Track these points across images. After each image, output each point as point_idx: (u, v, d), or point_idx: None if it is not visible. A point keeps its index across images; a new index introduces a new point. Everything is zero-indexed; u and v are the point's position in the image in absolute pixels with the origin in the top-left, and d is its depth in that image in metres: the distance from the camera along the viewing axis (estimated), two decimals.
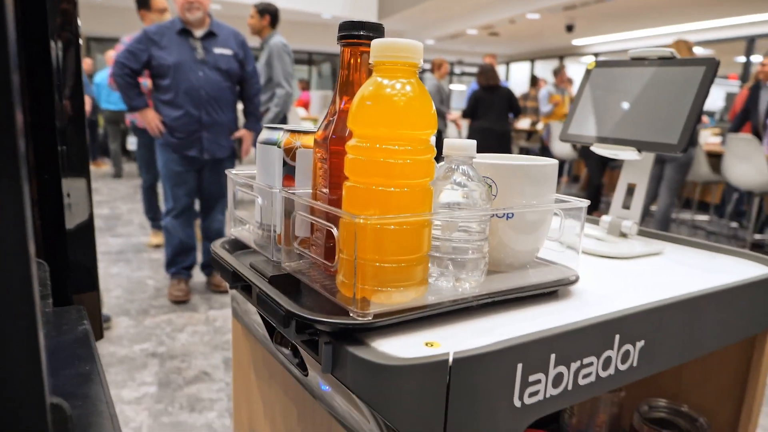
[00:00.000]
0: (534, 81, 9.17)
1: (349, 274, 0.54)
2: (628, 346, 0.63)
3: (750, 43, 8.61)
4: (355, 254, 0.52)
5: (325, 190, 0.61)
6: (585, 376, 0.60)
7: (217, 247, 0.78)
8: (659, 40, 9.98)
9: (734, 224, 5.73)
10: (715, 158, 4.91)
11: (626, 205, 0.98)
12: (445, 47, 14.02)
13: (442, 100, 6.23)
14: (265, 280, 0.63)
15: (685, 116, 0.86)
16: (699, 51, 3.81)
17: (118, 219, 5.21)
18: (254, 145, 4.05)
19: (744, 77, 8.55)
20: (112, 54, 5.20)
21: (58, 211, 0.78)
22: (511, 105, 5.42)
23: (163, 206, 3.24)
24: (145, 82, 3.13)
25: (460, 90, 14.46)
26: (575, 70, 10.66)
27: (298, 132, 0.68)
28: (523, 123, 7.93)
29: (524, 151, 8.14)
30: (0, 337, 0.27)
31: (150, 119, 2.96)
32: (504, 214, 0.65)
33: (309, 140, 0.67)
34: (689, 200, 6.10)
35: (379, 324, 0.54)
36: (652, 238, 1.01)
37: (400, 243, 0.54)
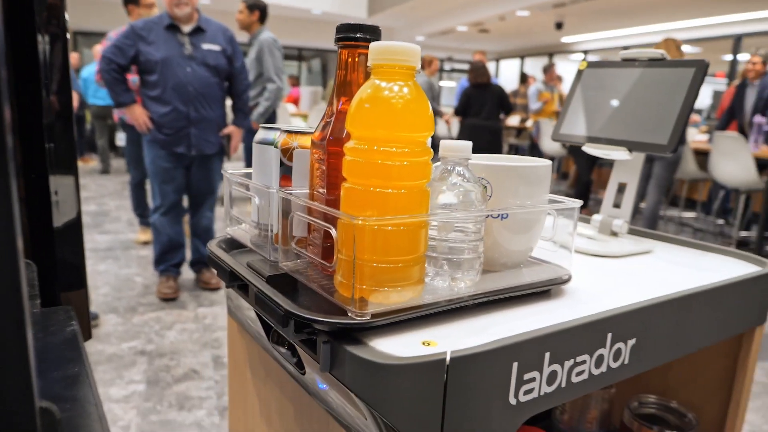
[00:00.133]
0: (523, 78, 9.20)
1: (348, 274, 0.55)
2: (620, 344, 0.64)
3: (737, 42, 8.69)
4: (353, 255, 0.53)
5: (322, 191, 0.62)
6: (578, 374, 0.61)
7: (214, 246, 0.78)
8: (648, 38, 10.04)
9: (720, 221, 5.79)
10: (702, 156, 4.96)
11: (617, 204, 0.99)
12: (435, 44, 14.02)
13: (434, 97, 6.24)
14: (263, 279, 0.63)
15: (675, 117, 0.87)
16: (687, 49, 3.85)
17: (106, 216, 5.17)
18: (243, 141, 4.04)
19: (731, 75, 8.63)
20: (99, 48, 5.15)
21: (46, 209, 0.77)
22: (502, 102, 5.44)
23: (151, 203, 3.23)
24: (135, 78, 3.11)
25: (450, 87, 14.47)
26: (565, 68, 10.71)
27: (295, 132, 0.68)
28: (513, 120, 7.95)
29: (514, 148, 8.17)
30: None
31: (137, 115, 2.94)
32: (499, 214, 0.66)
33: (305, 141, 0.68)
34: (677, 197, 6.16)
35: (377, 323, 0.54)
36: (642, 236, 1.02)
37: (398, 243, 0.55)
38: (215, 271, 3.22)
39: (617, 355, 0.65)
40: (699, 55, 10.57)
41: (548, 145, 6.56)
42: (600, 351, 0.63)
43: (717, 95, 9.43)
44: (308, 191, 0.66)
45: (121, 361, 2.45)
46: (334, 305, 0.57)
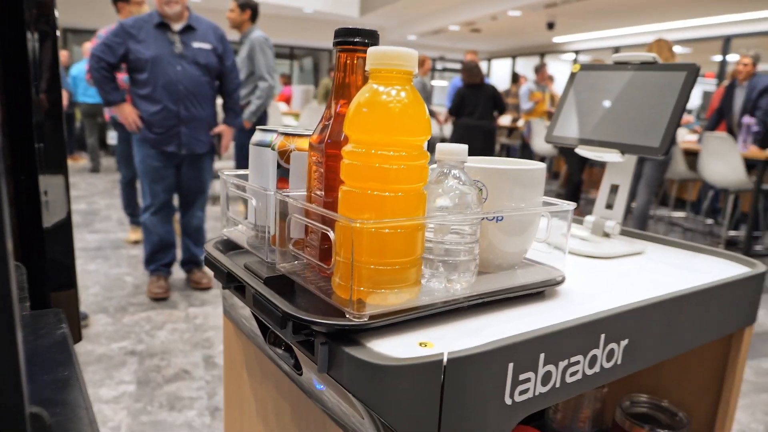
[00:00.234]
0: (515, 78, 9.24)
1: (346, 276, 0.55)
2: (613, 345, 0.65)
3: (726, 43, 8.76)
4: (351, 257, 0.54)
5: (320, 193, 0.62)
6: (572, 374, 0.62)
7: (210, 247, 0.78)
8: (639, 38, 10.10)
9: (710, 221, 5.84)
10: (691, 156, 5.00)
11: (609, 205, 1.01)
12: (427, 43, 14.04)
13: (426, 97, 6.25)
14: (261, 281, 0.64)
15: (667, 120, 0.88)
16: (677, 50, 3.86)
17: (96, 214, 5.14)
18: (234, 140, 4.03)
19: (721, 76, 8.71)
20: (88, 46, 5.12)
21: (35, 209, 0.77)
22: (495, 102, 5.46)
23: (141, 202, 3.21)
24: (126, 77, 3.09)
25: (442, 86, 14.50)
26: (556, 68, 10.76)
27: (293, 135, 0.69)
28: (504, 120, 7.98)
29: (505, 147, 8.20)
30: None
31: (127, 114, 2.91)
32: (494, 217, 0.67)
33: (303, 143, 0.68)
34: (666, 197, 6.21)
35: (375, 325, 0.55)
36: (634, 237, 1.04)
37: (395, 246, 0.55)
38: (207, 271, 3.21)
39: (610, 355, 0.66)
40: (689, 55, 10.66)
41: (539, 144, 6.58)
42: (593, 351, 0.63)
43: (707, 96, 9.50)
44: (305, 193, 0.66)
45: (111, 362, 2.43)
46: (332, 307, 0.57)
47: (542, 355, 0.58)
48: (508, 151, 8.21)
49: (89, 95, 6.88)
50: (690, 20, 8.69)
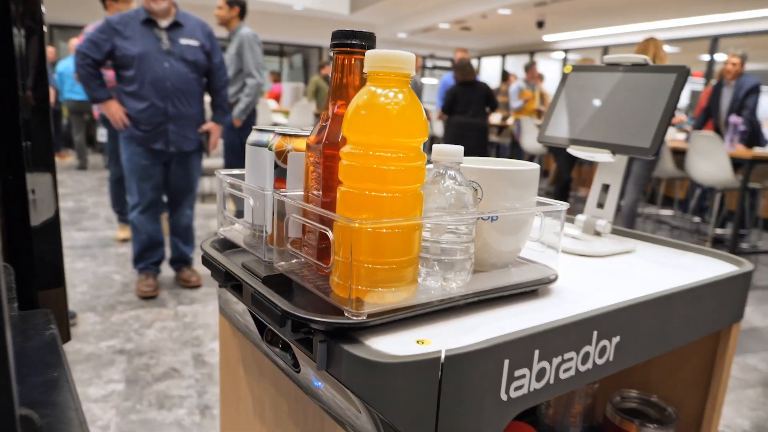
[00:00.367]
0: (505, 76, 9.27)
1: (344, 275, 0.56)
2: (605, 342, 0.67)
3: (714, 42, 8.85)
4: (350, 256, 0.54)
5: (317, 193, 0.63)
6: (565, 371, 0.63)
7: (207, 246, 0.79)
8: (628, 37, 10.17)
9: (697, 219, 5.90)
10: (679, 155, 5.05)
11: (600, 205, 1.02)
12: (418, 41, 14.05)
13: (417, 94, 6.25)
14: (259, 280, 0.64)
15: (657, 121, 0.90)
16: (666, 49, 3.90)
17: (84, 212, 5.11)
18: (223, 138, 4.01)
19: (708, 75, 8.79)
20: (75, 42, 5.08)
21: (23, 208, 0.76)
22: (488, 99, 5.48)
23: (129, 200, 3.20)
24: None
25: (432, 84, 14.51)
26: (546, 66, 10.81)
27: (290, 135, 0.69)
28: (494, 118, 8.01)
29: (495, 145, 8.23)
30: None
31: (113, 111, 2.88)
32: (489, 216, 0.68)
33: (300, 143, 0.69)
34: (654, 195, 6.26)
35: (373, 323, 0.56)
36: (624, 236, 1.05)
37: (393, 245, 0.56)
38: (196, 269, 3.19)
39: (602, 352, 0.67)
40: (677, 54, 10.74)
41: (529, 143, 6.61)
42: (586, 348, 0.65)
43: (695, 95, 9.60)
44: (303, 193, 0.67)
45: (100, 361, 2.42)
46: (329, 305, 0.58)
47: (537, 352, 0.59)
48: (497, 149, 8.24)
49: (76, 92, 6.82)
50: (678, 20, 8.77)
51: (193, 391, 2.22)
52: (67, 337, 0.81)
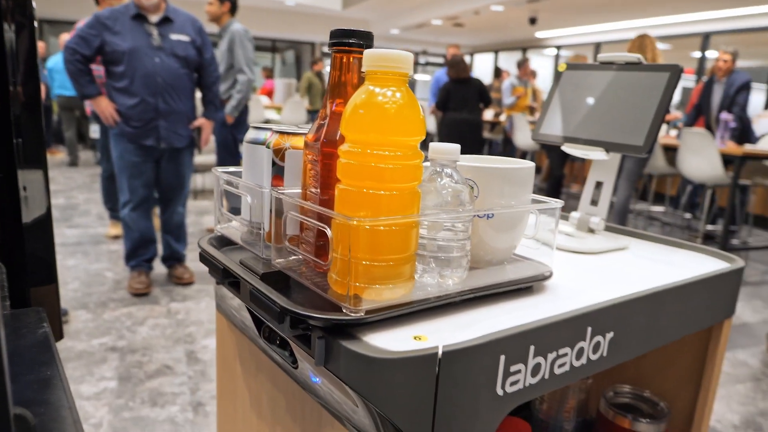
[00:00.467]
0: (497, 72, 9.28)
1: (343, 272, 0.57)
2: (599, 338, 0.68)
3: (705, 39, 8.90)
4: (349, 254, 0.55)
5: (315, 191, 0.63)
6: (560, 366, 0.64)
7: (205, 243, 0.79)
8: (620, 34, 10.22)
9: (688, 215, 5.94)
10: (671, 152, 5.08)
11: (594, 202, 1.03)
12: (410, 37, 14.05)
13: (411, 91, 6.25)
14: (257, 277, 0.65)
15: (651, 119, 0.91)
16: (658, 46, 3.91)
17: (75, 209, 5.08)
18: (215, 134, 3.99)
19: (700, 72, 8.84)
20: (66, 38, 5.04)
21: (14, 205, 0.76)
22: (482, 96, 5.49)
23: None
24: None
25: (425, 80, 14.52)
26: (538, 63, 10.83)
27: (287, 133, 0.70)
28: (487, 114, 8.02)
29: (487, 142, 8.24)
30: None
31: (103, 107, 2.86)
32: (485, 214, 0.68)
33: (297, 141, 0.69)
34: (646, 192, 6.30)
35: (371, 319, 0.56)
36: (617, 233, 1.06)
37: (391, 243, 0.57)
38: (189, 266, 3.17)
39: (596, 347, 0.68)
40: (669, 51, 10.79)
41: (522, 139, 6.63)
42: (580, 344, 0.66)
43: (686, 92, 9.64)
44: (301, 191, 0.67)
45: (92, 358, 2.42)
46: (327, 301, 0.59)
47: (532, 348, 0.60)
48: (490, 146, 8.26)
49: (66, 88, 6.77)
50: (670, 17, 8.82)
51: (186, 388, 2.22)
52: (59, 336, 0.81)
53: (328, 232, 0.58)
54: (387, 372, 0.52)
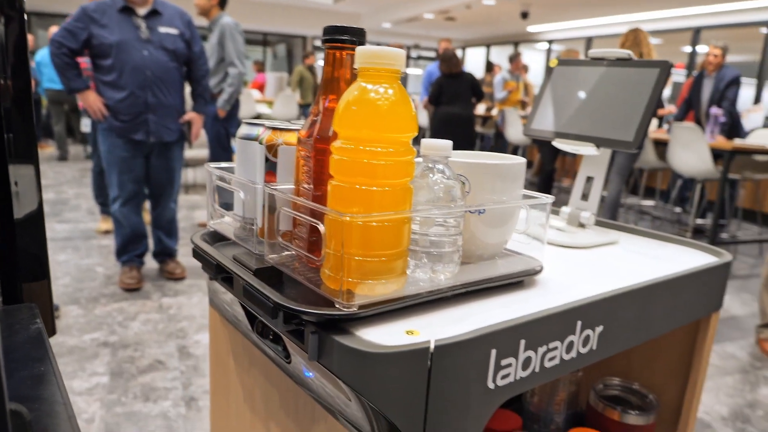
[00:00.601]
0: (489, 67, 9.28)
1: (336, 267, 0.57)
2: (588, 331, 0.69)
3: (696, 34, 8.94)
4: (341, 249, 0.55)
5: (308, 187, 0.64)
6: (550, 359, 0.65)
7: (198, 239, 0.79)
8: (611, 28, 10.24)
9: (678, 209, 5.99)
10: (661, 146, 5.11)
11: (584, 197, 1.04)
12: (402, 31, 14.01)
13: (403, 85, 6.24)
14: (251, 272, 0.65)
15: (641, 115, 0.92)
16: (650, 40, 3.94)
17: (65, 204, 5.05)
18: (207, 129, 3.96)
19: (690, 66, 8.89)
20: (55, 31, 5.00)
21: (6, 200, 0.75)
22: (474, 90, 5.49)
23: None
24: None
25: (416, 74, 14.50)
26: (530, 57, 10.84)
27: (280, 129, 0.70)
28: (479, 109, 8.03)
29: (479, 136, 8.26)
30: None
31: (91, 102, 2.83)
32: (476, 209, 0.69)
33: (290, 137, 0.70)
34: (636, 186, 6.34)
35: (364, 314, 0.57)
36: (607, 228, 1.07)
37: (383, 238, 0.57)
38: (180, 261, 3.15)
39: (586, 341, 0.69)
40: (660, 46, 10.83)
41: (513, 134, 6.65)
42: (570, 338, 0.67)
43: (677, 86, 9.70)
44: (293, 187, 0.67)
45: (84, 353, 2.41)
46: (320, 297, 0.59)
47: (523, 342, 0.61)
48: (482, 140, 8.27)
49: (55, 81, 6.72)
50: (661, 11, 8.85)
51: (178, 383, 2.22)
52: (52, 331, 0.81)
53: (321, 228, 0.58)
54: (380, 366, 0.53)
